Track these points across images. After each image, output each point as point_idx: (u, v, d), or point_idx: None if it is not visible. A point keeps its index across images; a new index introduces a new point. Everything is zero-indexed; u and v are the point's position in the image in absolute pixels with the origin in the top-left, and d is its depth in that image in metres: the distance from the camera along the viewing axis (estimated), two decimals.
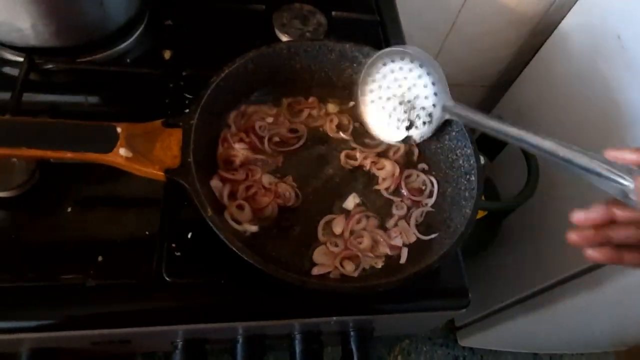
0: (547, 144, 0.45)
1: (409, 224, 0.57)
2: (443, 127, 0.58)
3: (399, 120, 0.59)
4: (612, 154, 0.41)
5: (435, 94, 0.56)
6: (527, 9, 1.05)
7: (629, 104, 0.83)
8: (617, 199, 0.40)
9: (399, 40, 0.78)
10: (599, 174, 0.41)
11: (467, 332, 1.38)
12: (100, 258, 0.52)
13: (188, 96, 0.64)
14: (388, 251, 0.55)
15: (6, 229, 0.53)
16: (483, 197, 0.56)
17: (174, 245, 0.54)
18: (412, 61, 0.57)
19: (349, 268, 0.52)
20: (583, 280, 0.93)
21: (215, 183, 0.53)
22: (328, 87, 0.64)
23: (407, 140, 0.60)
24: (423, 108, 0.57)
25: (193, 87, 0.64)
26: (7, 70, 0.62)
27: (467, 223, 0.51)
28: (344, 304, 0.54)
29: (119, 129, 0.47)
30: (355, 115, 0.64)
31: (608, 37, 0.88)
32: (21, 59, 0.60)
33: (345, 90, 0.65)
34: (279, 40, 0.73)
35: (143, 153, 0.47)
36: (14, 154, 0.46)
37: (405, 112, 0.58)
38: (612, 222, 0.40)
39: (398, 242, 0.55)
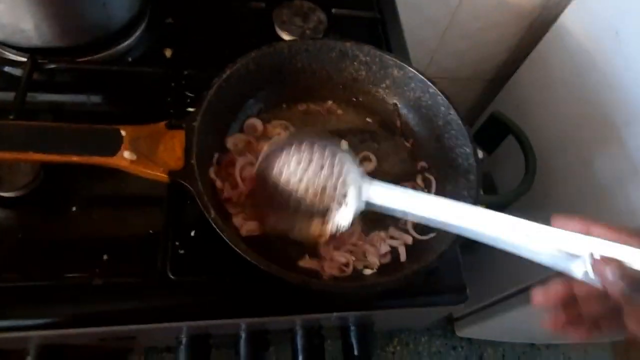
0: (489, 231, 0.40)
1: (405, 227, 0.58)
2: (445, 126, 0.59)
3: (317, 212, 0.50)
4: (559, 224, 0.38)
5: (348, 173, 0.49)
6: (526, 3, 1.05)
7: (627, 99, 0.84)
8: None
9: (399, 38, 0.78)
10: (552, 256, 0.37)
11: (465, 323, 1.40)
12: (105, 257, 0.53)
13: (190, 95, 0.65)
14: (377, 261, 0.55)
15: (12, 229, 0.54)
16: (481, 191, 0.56)
17: (177, 243, 0.55)
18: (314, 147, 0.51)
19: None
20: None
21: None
22: (328, 85, 0.65)
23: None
24: (343, 194, 0.49)
25: (194, 86, 0.65)
26: (10, 70, 0.62)
27: None
28: (345, 301, 0.56)
29: (123, 132, 0.48)
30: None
31: (606, 33, 0.88)
32: (24, 59, 0.61)
33: (345, 90, 0.65)
34: (279, 38, 0.73)
35: (147, 155, 0.48)
36: (19, 159, 0.47)
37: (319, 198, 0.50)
38: (571, 298, 0.37)
39: (385, 248, 0.55)
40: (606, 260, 0.34)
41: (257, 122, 0.61)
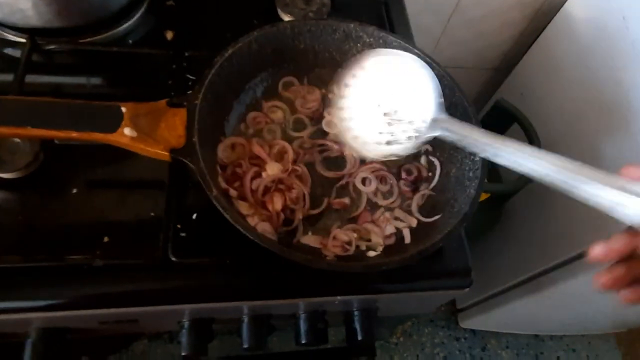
0: (554, 175, 0.38)
1: (410, 209, 0.57)
2: (450, 107, 0.58)
3: (380, 133, 0.50)
4: (630, 172, 0.35)
5: (427, 104, 0.49)
6: None
7: (634, 85, 0.82)
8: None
9: (403, 21, 0.77)
10: (611, 201, 0.35)
11: (469, 314, 1.40)
12: (106, 239, 0.53)
13: (191, 77, 0.64)
14: (382, 241, 0.54)
15: (12, 211, 0.53)
16: (486, 180, 0.55)
17: (179, 226, 0.54)
18: (402, 64, 0.50)
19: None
20: (583, 262, 0.93)
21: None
22: (332, 67, 0.64)
23: (388, 156, 0.52)
24: (410, 121, 0.49)
25: (196, 68, 0.64)
26: (9, 51, 0.62)
27: (471, 203, 0.51)
28: (349, 283, 0.55)
29: (123, 109, 0.47)
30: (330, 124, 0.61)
31: (613, 18, 0.87)
32: (23, 40, 0.60)
33: None
34: (282, 20, 0.72)
35: (148, 133, 0.47)
36: (18, 134, 0.46)
37: (389, 124, 0.50)
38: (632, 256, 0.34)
39: (390, 230, 0.55)
40: None
41: (259, 116, 0.60)
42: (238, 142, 0.57)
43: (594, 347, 1.51)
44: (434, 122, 0.48)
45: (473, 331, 1.47)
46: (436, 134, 0.48)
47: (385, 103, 0.50)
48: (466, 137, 0.46)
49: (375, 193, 0.58)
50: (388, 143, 0.50)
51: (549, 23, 1.06)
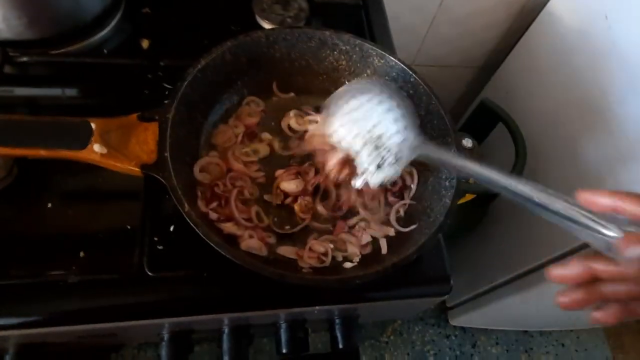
0: (521, 188, 0.40)
1: (388, 219, 0.57)
2: (427, 115, 0.58)
3: (368, 162, 0.50)
4: (585, 198, 0.36)
5: (405, 127, 0.49)
6: None
7: (615, 83, 0.82)
8: (597, 251, 0.35)
9: (382, 26, 0.77)
10: (577, 222, 0.36)
11: (458, 312, 1.40)
12: (82, 254, 0.52)
13: (167, 86, 0.63)
14: (358, 251, 0.54)
15: None
16: (472, 180, 0.54)
17: (156, 239, 0.54)
18: (379, 93, 0.50)
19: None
20: (571, 259, 0.94)
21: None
22: (309, 75, 0.64)
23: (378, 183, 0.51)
24: (388, 149, 0.49)
25: (172, 77, 0.63)
26: None
27: (447, 212, 0.51)
28: (326, 294, 0.55)
29: (93, 125, 0.47)
30: None
31: (595, 17, 0.87)
32: None
33: (325, 80, 0.64)
34: (259, 27, 0.72)
35: (118, 148, 0.47)
36: None
37: (375, 149, 0.49)
38: (594, 279, 0.35)
39: (367, 239, 0.55)
40: (633, 236, 0.32)
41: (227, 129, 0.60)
42: (212, 162, 0.56)
43: (582, 341, 1.52)
44: (413, 147, 0.49)
45: (463, 328, 1.47)
46: (414, 157, 0.49)
47: (368, 130, 0.49)
48: (441, 161, 0.48)
49: (364, 208, 0.58)
50: (378, 167, 0.50)
51: (532, 22, 1.05)
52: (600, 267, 0.34)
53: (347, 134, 0.49)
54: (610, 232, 0.33)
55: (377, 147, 0.49)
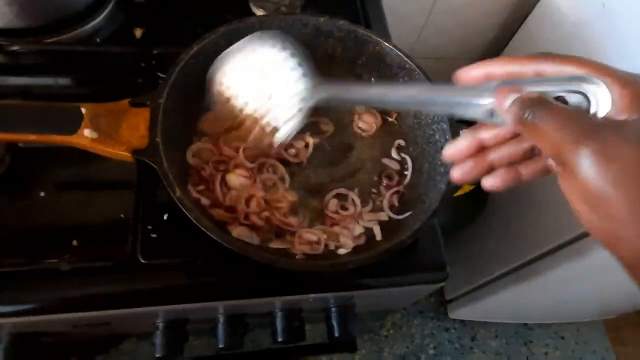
0: (408, 92, 0.40)
1: (382, 207, 0.57)
2: None
3: (277, 119, 0.50)
4: (459, 76, 0.37)
5: (304, 75, 0.48)
6: None
7: None
8: (485, 122, 0.36)
9: (378, 14, 0.76)
10: (460, 103, 0.36)
11: (457, 304, 1.40)
12: (75, 242, 0.52)
13: (161, 75, 0.63)
14: (351, 243, 0.53)
15: None
16: None
17: (150, 227, 0.54)
18: (271, 47, 0.49)
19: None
20: (569, 250, 0.93)
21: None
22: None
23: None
24: (291, 98, 0.48)
25: (165, 66, 0.62)
26: None
27: (441, 198, 0.50)
28: (321, 281, 0.54)
29: (83, 110, 0.46)
30: None
31: (593, 5, 0.86)
32: None
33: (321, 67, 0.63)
34: (254, 15, 0.71)
35: (108, 133, 0.46)
36: None
37: (279, 103, 0.49)
38: (484, 149, 0.37)
39: (359, 230, 0.55)
40: (503, 89, 0.33)
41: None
42: (205, 148, 0.56)
43: (582, 334, 1.52)
44: (310, 90, 0.47)
45: (462, 321, 1.47)
46: (317, 99, 0.47)
47: (260, 91, 0.50)
48: (345, 95, 0.46)
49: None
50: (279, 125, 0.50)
51: (531, 12, 1.05)
52: (484, 134, 0.36)
53: (249, 95, 0.50)
54: (488, 99, 0.34)
55: (280, 101, 0.48)
